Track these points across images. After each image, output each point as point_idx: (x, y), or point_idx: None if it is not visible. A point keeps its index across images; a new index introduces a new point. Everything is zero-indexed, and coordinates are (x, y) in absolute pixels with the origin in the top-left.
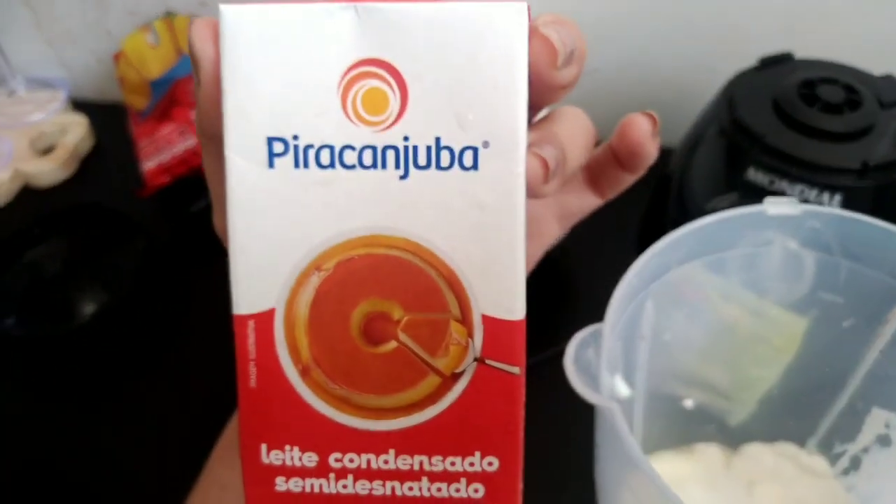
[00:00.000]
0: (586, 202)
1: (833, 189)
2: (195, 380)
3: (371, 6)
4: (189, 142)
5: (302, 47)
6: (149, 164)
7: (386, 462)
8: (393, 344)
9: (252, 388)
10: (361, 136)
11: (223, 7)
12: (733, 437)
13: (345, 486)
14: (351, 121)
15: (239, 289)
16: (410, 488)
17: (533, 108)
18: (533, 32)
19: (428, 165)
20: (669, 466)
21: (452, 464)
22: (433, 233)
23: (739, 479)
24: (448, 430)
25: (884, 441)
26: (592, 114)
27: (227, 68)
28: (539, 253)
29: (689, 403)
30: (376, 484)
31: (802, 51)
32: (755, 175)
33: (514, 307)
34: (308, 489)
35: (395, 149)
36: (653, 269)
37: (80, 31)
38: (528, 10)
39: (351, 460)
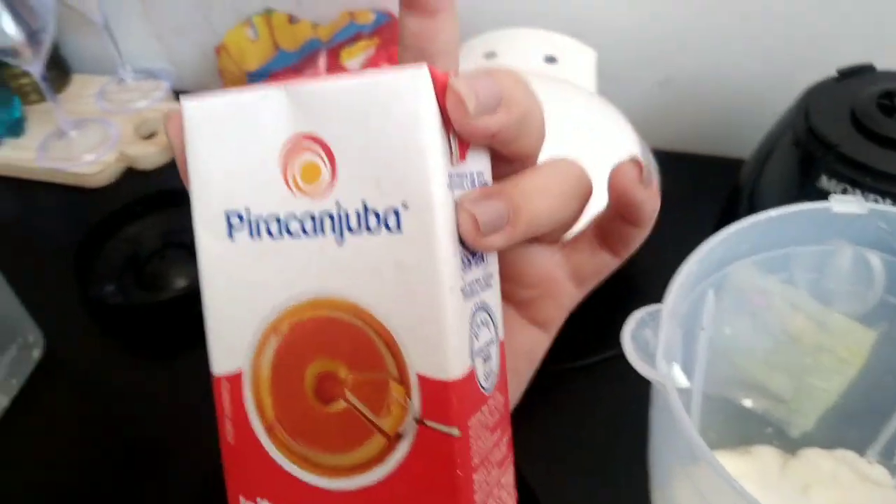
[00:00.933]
0: (600, 262)
1: None
2: None
3: (297, 86)
4: None
5: (247, 129)
6: None
7: None
8: (342, 403)
9: (230, 444)
10: (302, 205)
11: (183, 100)
12: (791, 442)
13: None
14: (292, 191)
15: (213, 351)
16: None
17: (508, 159)
18: (444, 89)
19: (359, 229)
20: (724, 464)
21: None
22: (368, 294)
23: (795, 482)
24: (396, 491)
25: None
26: (667, 123)
27: (190, 152)
28: (560, 314)
29: (748, 403)
30: None
31: (884, 63)
32: (828, 184)
33: (446, 366)
34: None
35: (331, 215)
36: (714, 259)
37: (185, 26)
38: (430, 72)
39: None
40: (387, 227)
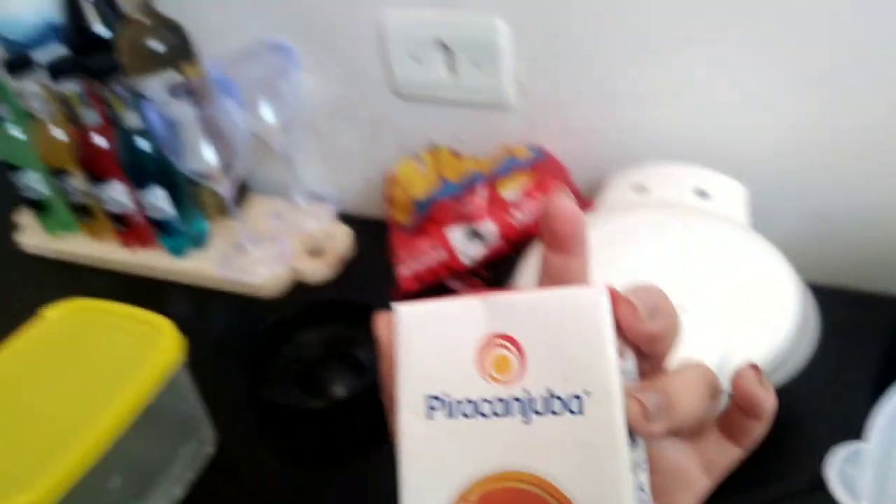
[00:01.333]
0: (727, 452)
1: None
2: None
3: (495, 299)
4: (441, 255)
5: (450, 330)
6: (404, 271)
7: None
8: None
9: None
10: (493, 391)
11: (396, 306)
12: None
13: None
14: (485, 380)
15: None
16: None
17: (649, 358)
18: (619, 299)
19: (545, 412)
20: None
21: None
22: (553, 468)
23: None
24: None
25: None
26: (826, 260)
27: (400, 348)
28: (691, 502)
29: None
30: None
31: None
32: None
33: None
34: None
35: (519, 400)
36: None
37: (355, 157)
38: (609, 290)
39: None
40: (570, 411)
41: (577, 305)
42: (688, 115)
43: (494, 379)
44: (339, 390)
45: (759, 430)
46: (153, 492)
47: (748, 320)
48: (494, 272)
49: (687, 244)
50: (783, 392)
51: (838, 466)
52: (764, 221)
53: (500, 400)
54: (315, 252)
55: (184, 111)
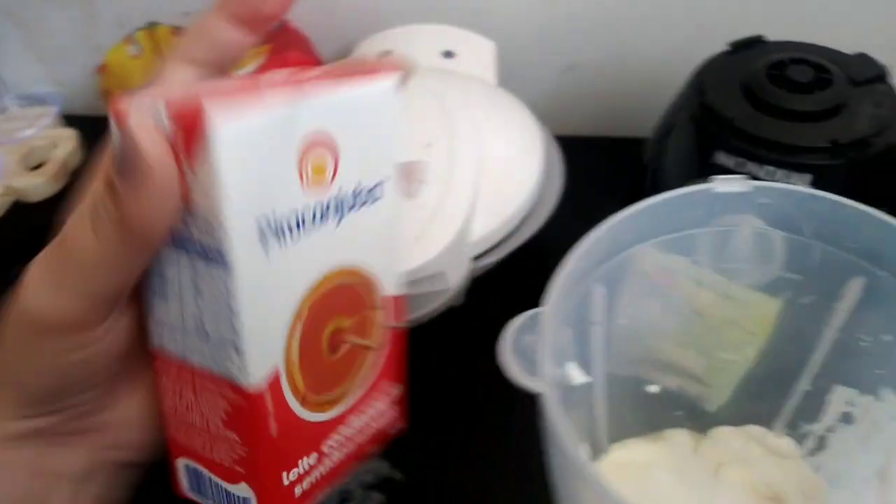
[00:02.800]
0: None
1: (803, 169)
2: None
3: (312, 100)
4: None
5: (271, 142)
6: None
7: (350, 428)
8: (344, 347)
9: (272, 437)
10: (314, 197)
11: (211, 120)
12: (703, 422)
13: (331, 460)
14: (306, 187)
15: (250, 365)
16: (364, 433)
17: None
18: None
19: (356, 206)
20: (638, 453)
21: (379, 403)
22: (359, 254)
23: (707, 463)
24: (377, 381)
25: (847, 419)
26: (573, 109)
27: (220, 171)
28: None
29: (654, 389)
30: (348, 445)
31: (775, 34)
32: (725, 159)
33: (393, 281)
34: (314, 480)
35: (333, 203)
36: (600, 252)
37: (70, 46)
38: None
39: (334, 440)
40: (374, 199)
41: (380, 100)
42: None
43: (314, 184)
44: None
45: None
46: None
47: (495, 176)
48: None
49: (431, 105)
50: (533, 245)
51: (512, 337)
52: (513, 77)
53: (319, 205)
54: (35, 165)
55: None
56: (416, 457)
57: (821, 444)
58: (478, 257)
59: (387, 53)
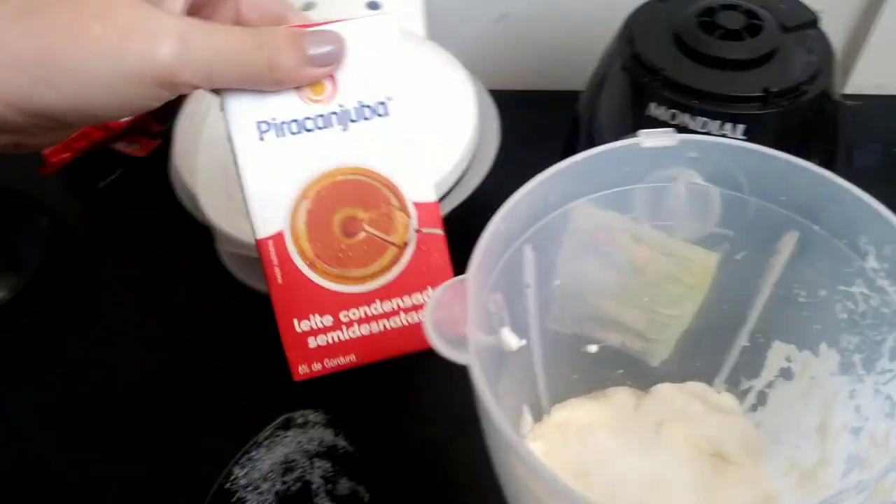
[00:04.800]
0: None
1: (736, 119)
2: (95, 370)
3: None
4: None
5: None
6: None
7: (375, 309)
8: (363, 234)
9: (279, 284)
10: (314, 109)
11: None
12: (644, 380)
13: (353, 332)
14: (305, 102)
15: (256, 222)
16: (393, 321)
17: None
18: None
19: (358, 119)
20: (579, 412)
21: (416, 298)
22: (372, 158)
23: (649, 421)
24: (409, 278)
25: (786, 375)
26: (505, 58)
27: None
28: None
29: (593, 349)
30: (372, 325)
31: None
32: (657, 111)
33: (430, 193)
34: (330, 341)
35: (336, 113)
36: (527, 213)
37: None
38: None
39: (353, 313)
40: (378, 115)
41: (374, 30)
42: None
43: (313, 101)
44: None
45: None
46: None
47: (428, 132)
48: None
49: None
50: (468, 203)
51: (433, 308)
52: (443, 28)
53: (321, 116)
54: None
55: None
56: (363, 423)
57: (761, 400)
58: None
59: (309, 7)
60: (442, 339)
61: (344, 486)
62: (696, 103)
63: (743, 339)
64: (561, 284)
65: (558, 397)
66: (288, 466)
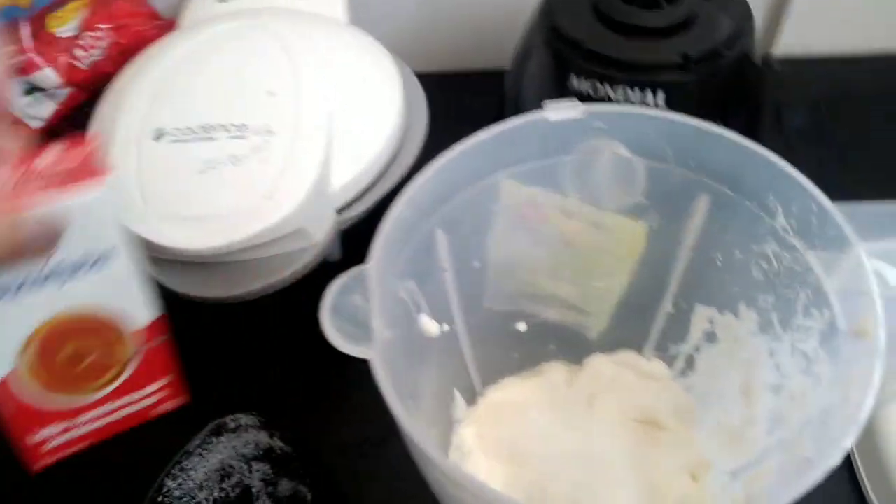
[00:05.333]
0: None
1: (656, 87)
2: None
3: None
4: None
5: None
6: None
7: (106, 409)
8: (87, 361)
9: (12, 414)
10: (33, 271)
11: None
12: (577, 353)
13: (86, 428)
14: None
15: None
16: (125, 410)
17: None
18: None
19: (79, 270)
20: (513, 392)
21: (146, 390)
22: (101, 300)
23: (581, 395)
24: (137, 379)
25: (711, 338)
26: (430, 40)
27: None
28: None
29: (522, 326)
30: (104, 419)
31: None
32: (579, 83)
33: (150, 315)
34: (65, 440)
35: (54, 270)
36: (433, 196)
37: None
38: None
39: (85, 417)
40: (96, 266)
41: (86, 203)
42: None
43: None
44: None
45: None
46: None
47: (351, 121)
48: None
49: (273, 49)
50: (398, 191)
51: (332, 300)
52: (365, 13)
53: (38, 275)
54: None
55: None
56: (298, 423)
57: (690, 365)
58: (344, 209)
59: None
60: (341, 334)
61: (285, 486)
62: (616, 73)
63: (667, 306)
64: (494, 263)
65: (492, 378)
66: (225, 473)
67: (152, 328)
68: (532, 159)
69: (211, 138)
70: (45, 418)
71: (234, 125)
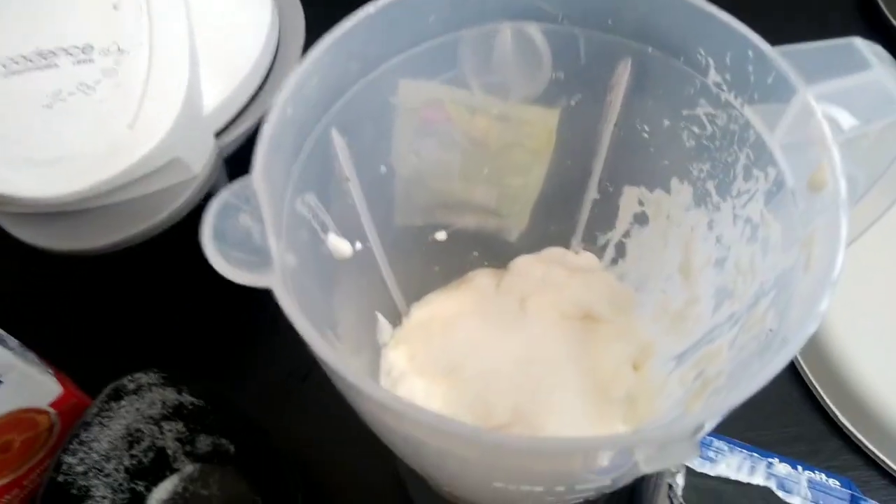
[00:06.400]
0: None
1: None
2: None
3: None
4: None
5: None
6: None
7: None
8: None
9: None
10: None
11: None
12: (501, 257)
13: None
14: None
15: None
16: None
17: None
18: None
19: None
20: (440, 306)
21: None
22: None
23: (512, 298)
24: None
25: (641, 220)
26: None
27: None
28: None
29: (441, 236)
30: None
31: None
32: None
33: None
34: None
35: None
36: (322, 89)
37: None
38: None
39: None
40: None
41: None
42: None
43: None
44: None
45: None
46: None
47: (216, 29)
48: None
49: None
50: None
51: (214, 221)
52: None
53: None
54: None
55: None
56: (205, 375)
57: (620, 252)
58: (223, 132)
59: None
60: (231, 263)
61: (203, 442)
62: None
63: (592, 193)
64: (399, 175)
65: (416, 295)
66: (133, 439)
67: (66, 394)
68: (428, 38)
69: (52, 65)
70: None
71: (76, 47)
